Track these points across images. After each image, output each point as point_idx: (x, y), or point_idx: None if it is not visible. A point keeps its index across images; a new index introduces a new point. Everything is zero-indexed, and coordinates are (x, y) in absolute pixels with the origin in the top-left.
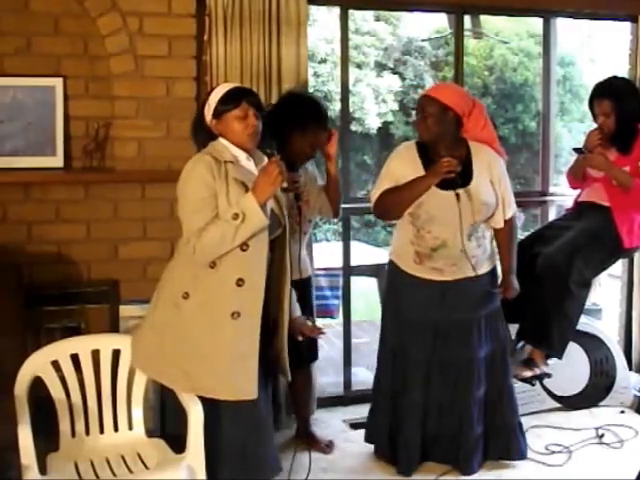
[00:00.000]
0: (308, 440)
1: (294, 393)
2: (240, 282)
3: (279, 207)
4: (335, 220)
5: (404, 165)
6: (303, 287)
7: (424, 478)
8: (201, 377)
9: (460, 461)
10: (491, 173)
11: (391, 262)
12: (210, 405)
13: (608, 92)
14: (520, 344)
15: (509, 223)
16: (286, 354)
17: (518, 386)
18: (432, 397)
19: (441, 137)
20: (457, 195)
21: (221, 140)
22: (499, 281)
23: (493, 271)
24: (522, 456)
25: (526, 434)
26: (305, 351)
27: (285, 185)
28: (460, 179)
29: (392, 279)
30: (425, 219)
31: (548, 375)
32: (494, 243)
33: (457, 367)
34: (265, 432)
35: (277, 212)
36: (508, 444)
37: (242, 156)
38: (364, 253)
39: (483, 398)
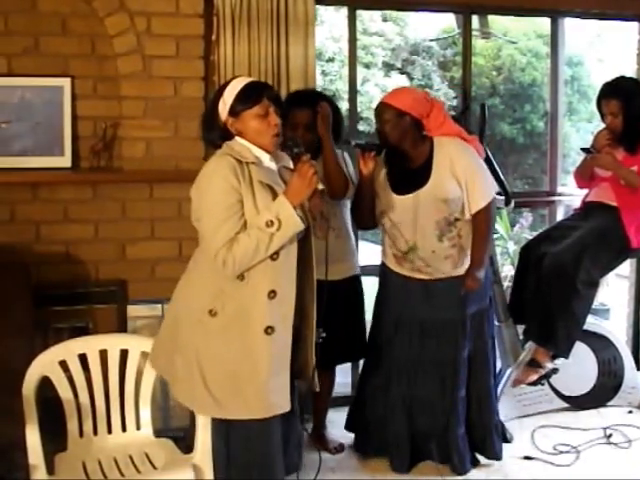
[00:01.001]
0: (320, 441)
1: (315, 395)
2: (272, 294)
3: (301, 206)
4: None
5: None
6: (347, 287)
7: (423, 478)
8: (232, 400)
9: (454, 462)
10: (453, 167)
11: (382, 262)
12: (223, 426)
13: (616, 92)
14: (526, 345)
15: (481, 215)
16: (314, 365)
17: (524, 386)
18: (419, 395)
19: (401, 141)
20: (412, 197)
21: (239, 139)
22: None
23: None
24: (496, 457)
25: (534, 434)
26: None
27: (321, 187)
28: (419, 180)
29: (381, 277)
30: (390, 226)
31: (555, 371)
32: None
33: (443, 367)
34: (277, 455)
35: (299, 213)
36: (483, 442)
37: (265, 157)
38: (373, 253)
39: (465, 397)
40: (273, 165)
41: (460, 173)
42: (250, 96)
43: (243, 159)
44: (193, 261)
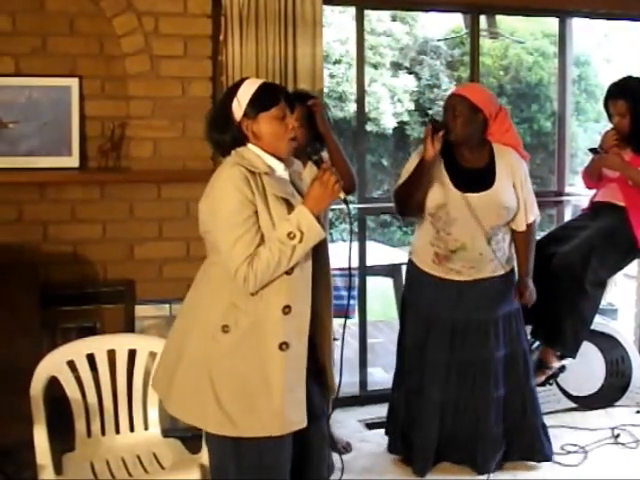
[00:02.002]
0: None
1: None
2: (286, 309)
3: None
4: (350, 197)
5: None
6: None
7: (439, 478)
8: (246, 417)
9: (477, 460)
10: (514, 176)
11: (410, 261)
12: (232, 443)
13: (623, 92)
14: (534, 345)
15: (530, 228)
16: (332, 372)
17: None
18: (449, 396)
19: (468, 137)
20: (477, 197)
21: (251, 147)
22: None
23: (510, 273)
24: (546, 458)
25: None
26: None
27: (343, 196)
28: (482, 181)
29: (410, 277)
30: (445, 221)
31: (562, 369)
32: (513, 246)
33: (474, 367)
34: (286, 466)
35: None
36: (532, 446)
37: (278, 167)
38: (380, 253)
39: (502, 399)
40: (286, 174)
41: (518, 185)
42: (267, 97)
43: (255, 169)
44: (203, 274)
